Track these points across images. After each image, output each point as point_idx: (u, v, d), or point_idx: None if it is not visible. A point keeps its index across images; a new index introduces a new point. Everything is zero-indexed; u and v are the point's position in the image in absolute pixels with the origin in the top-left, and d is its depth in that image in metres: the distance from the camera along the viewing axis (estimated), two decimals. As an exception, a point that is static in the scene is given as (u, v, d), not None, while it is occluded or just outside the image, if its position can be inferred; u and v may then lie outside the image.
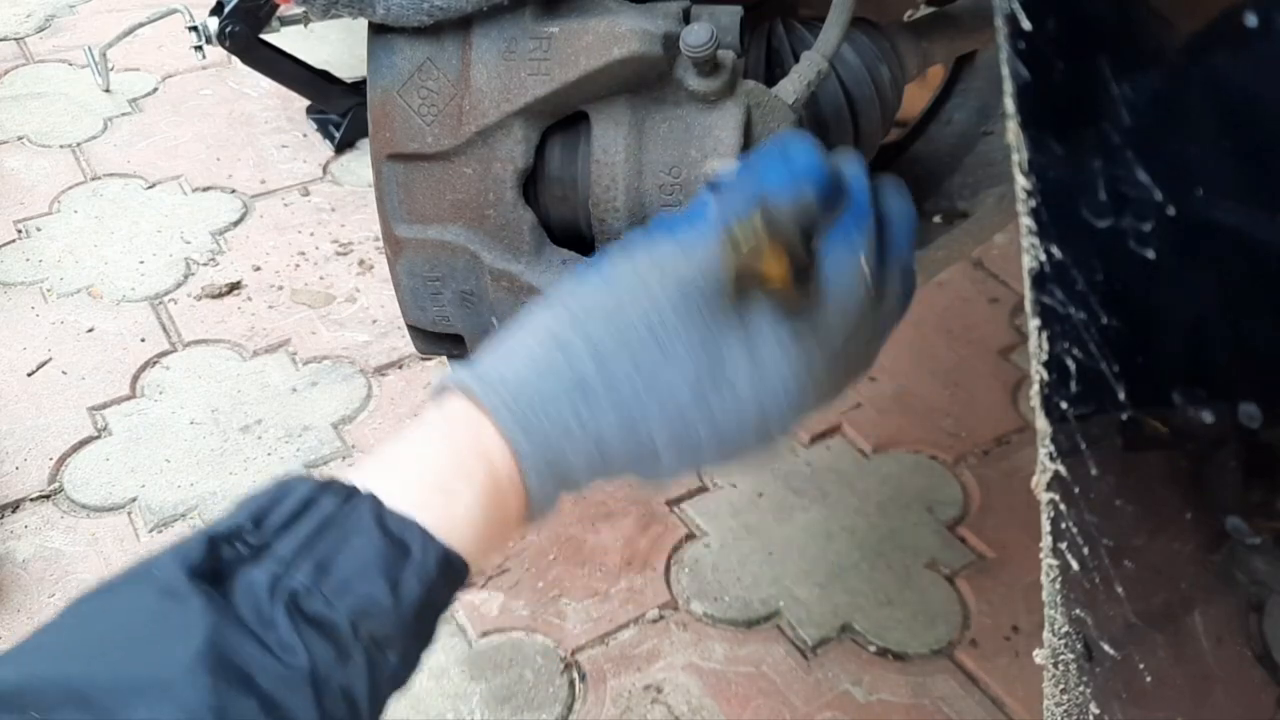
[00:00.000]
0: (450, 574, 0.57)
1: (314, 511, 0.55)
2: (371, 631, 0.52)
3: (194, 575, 0.51)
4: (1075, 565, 0.53)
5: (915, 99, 1.09)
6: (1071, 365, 0.48)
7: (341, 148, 1.99)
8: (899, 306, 0.70)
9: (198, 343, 1.61)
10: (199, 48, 1.84)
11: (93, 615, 0.52)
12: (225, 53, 1.86)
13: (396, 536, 0.55)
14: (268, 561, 0.53)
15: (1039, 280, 0.47)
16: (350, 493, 0.56)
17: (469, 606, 1.27)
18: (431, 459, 0.60)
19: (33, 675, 0.48)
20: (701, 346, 0.62)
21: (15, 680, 0.48)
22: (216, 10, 1.82)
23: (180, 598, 0.50)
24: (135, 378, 1.55)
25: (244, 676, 0.48)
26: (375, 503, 0.56)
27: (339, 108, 1.98)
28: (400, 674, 0.55)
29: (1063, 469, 0.51)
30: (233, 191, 1.90)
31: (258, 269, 1.74)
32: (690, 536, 1.36)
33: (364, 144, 1.98)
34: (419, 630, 0.55)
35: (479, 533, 0.59)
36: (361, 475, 0.58)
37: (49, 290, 1.68)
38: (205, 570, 0.52)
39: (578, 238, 0.74)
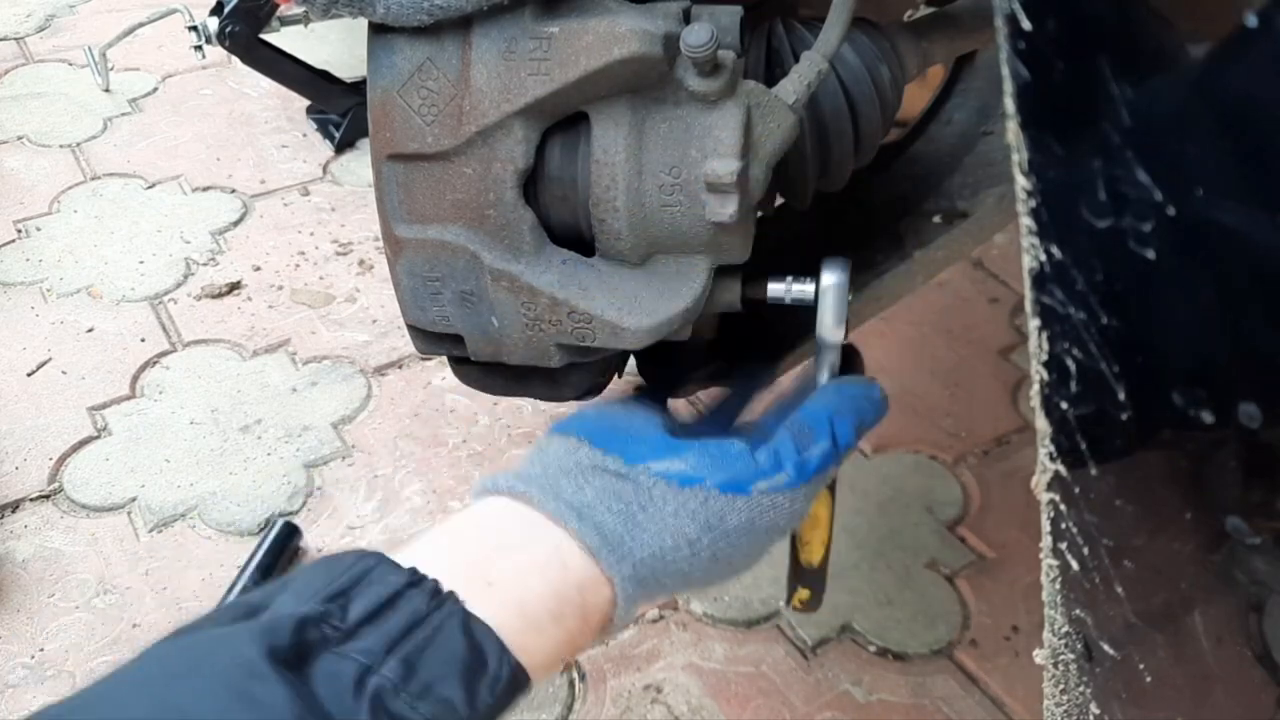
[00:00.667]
0: (515, 686, 0.59)
1: (403, 607, 0.56)
2: None
3: (277, 659, 0.52)
4: (1075, 565, 0.53)
5: (915, 99, 1.09)
6: (1071, 365, 0.48)
7: (341, 148, 1.99)
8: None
9: (198, 343, 1.61)
10: (199, 48, 1.84)
11: (176, 680, 0.52)
12: (225, 53, 1.86)
13: (478, 646, 0.57)
14: (355, 652, 0.54)
15: (1039, 280, 0.47)
16: (438, 592, 0.58)
17: (469, 606, 1.27)
18: (532, 593, 0.63)
19: None
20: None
21: None
22: (216, 10, 1.82)
23: (265, 681, 0.50)
24: (135, 378, 1.55)
25: None
26: (464, 611, 0.58)
27: (339, 108, 1.98)
28: None
29: (1063, 469, 0.51)
30: (233, 191, 1.90)
31: (258, 269, 1.74)
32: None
33: (364, 144, 1.98)
34: None
35: (550, 662, 0.63)
36: (451, 573, 0.60)
37: (49, 290, 1.68)
38: (289, 654, 0.52)
39: (578, 238, 0.74)
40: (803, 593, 0.84)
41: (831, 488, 0.78)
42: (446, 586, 0.59)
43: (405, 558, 0.61)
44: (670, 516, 0.68)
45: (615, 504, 0.67)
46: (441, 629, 0.56)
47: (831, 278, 0.76)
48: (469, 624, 0.57)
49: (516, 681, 0.59)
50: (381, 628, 0.55)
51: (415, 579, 0.58)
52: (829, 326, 0.77)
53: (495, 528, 0.66)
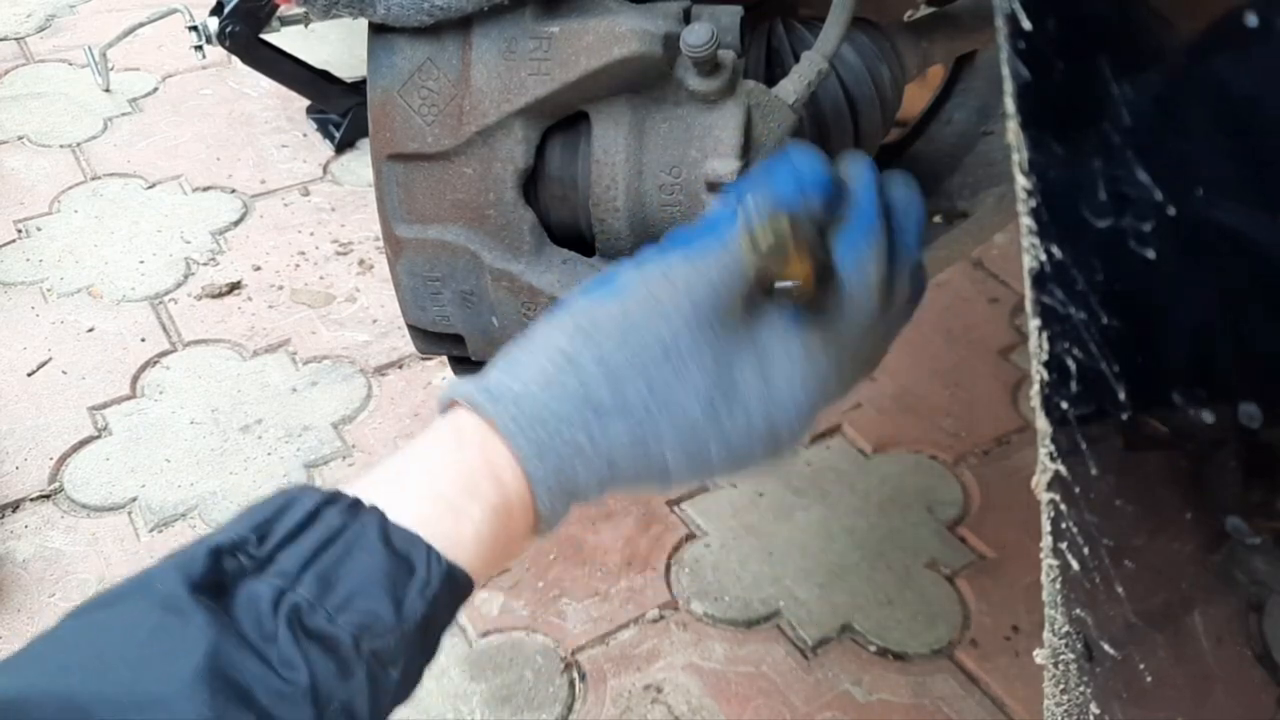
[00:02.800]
0: (454, 591, 0.57)
1: (318, 525, 0.55)
2: (374, 648, 0.52)
3: (195, 588, 0.51)
4: (1075, 565, 0.53)
5: (915, 99, 1.09)
6: (1071, 365, 0.48)
7: (341, 148, 1.99)
8: (908, 306, 0.70)
9: (198, 342, 1.61)
10: (199, 48, 1.84)
11: (94, 627, 0.51)
12: (225, 53, 1.86)
13: (401, 553, 0.55)
14: (271, 575, 0.53)
15: (1039, 280, 0.47)
16: (355, 507, 0.56)
17: (469, 606, 1.27)
18: (440, 475, 0.59)
19: (32, 687, 0.48)
20: (714, 362, 0.62)
21: (14, 691, 0.47)
22: (216, 10, 1.82)
23: (181, 612, 0.50)
24: (135, 378, 1.55)
25: (244, 693, 0.48)
26: (380, 518, 0.56)
27: (339, 108, 1.98)
28: (402, 690, 0.55)
29: (1063, 469, 0.51)
30: (233, 191, 1.90)
31: (258, 269, 1.74)
32: (690, 536, 1.36)
33: (364, 144, 1.98)
34: (422, 646, 0.55)
35: (485, 550, 0.59)
36: (367, 488, 0.58)
37: (49, 290, 1.68)
38: (207, 583, 0.51)
39: (578, 238, 0.74)
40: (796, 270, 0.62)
41: (809, 243, 0.62)
42: (368, 499, 0.57)
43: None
44: (541, 340, 0.62)
45: (504, 356, 0.63)
46: (358, 540, 0.54)
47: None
48: (387, 531, 0.55)
49: (454, 582, 0.56)
50: (295, 548, 0.54)
51: (332, 498, 0.56)
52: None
53: (416, 439, 0.63)
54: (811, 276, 0.61)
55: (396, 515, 0.56)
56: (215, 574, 0.52)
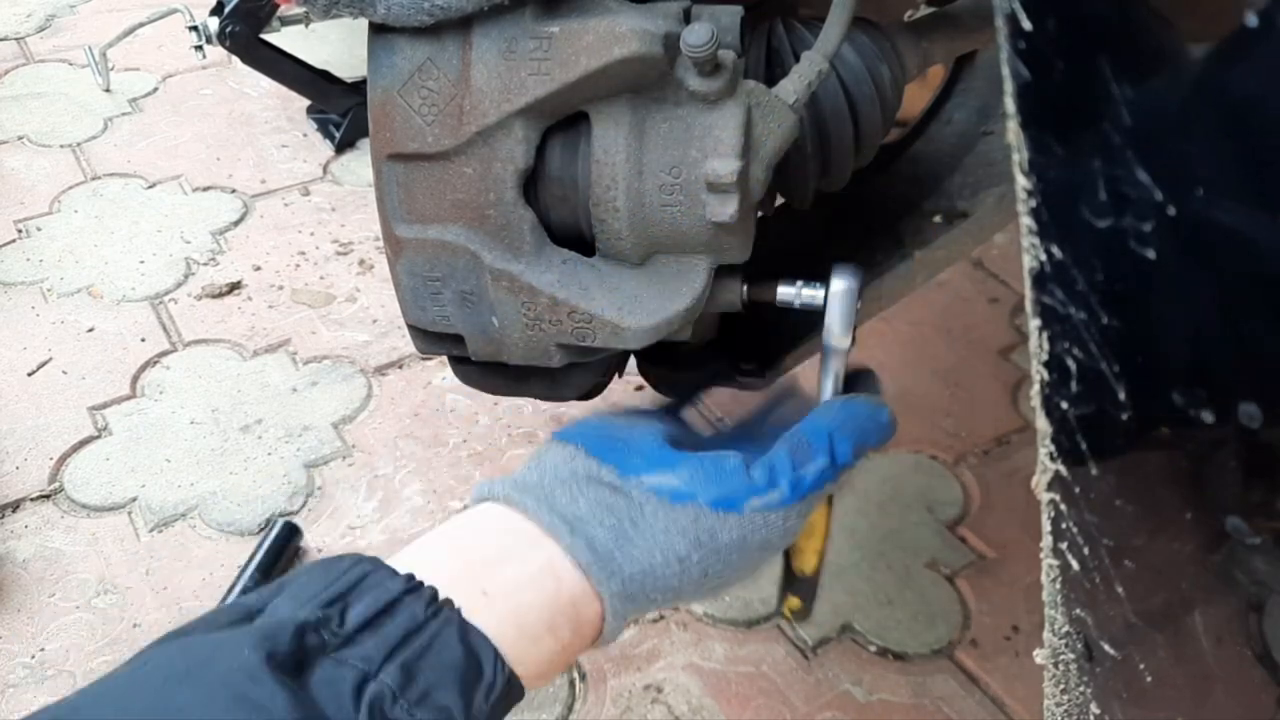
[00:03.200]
0: (510, 696, 0.60)
1: (401, 614, 0.56)
2: None
3: (276, 664, 0.52)
4: (1075, 565, 0.53)
5: (915, 99, 1.09)
6: (1071, 365, 0.48)
7: (341, 148, 1.99)
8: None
9: (198, 342, 1.61)
10: (199, 48, 1.84)
11: (176, 681, 0.52)
12: (225, 53, 1.86)
13: (474, 654, 0.57)
14: (354, 659, 0.54)
15: (1039, 280, 0.47)
16: (435, 599, 0.58)
17: (469, 606, 1.28)
18: (527, 604, 0.63)
19: None
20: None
21: None
22: (216, 10, 1.82)
23: (265, 687, 0.51)
24: (135, 377, 1.55)
25: None
26: (460, 618, 0.58)
27: (339, 108, 1.98)
28: None
29: (1063, 469, 0.51)
30: (233, 191, 1.90)
31: (258, 269, 1.74)
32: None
33: (364, 144, 1.98)
34: None
35: (542, 672, 0.64)
36: (449, 582, 0.60)
37: (49, 290, 1.68)
38: (288, 660, 0.53)
39: (578, 238, 0.74)
40: (793, 601, 0.83)
41: (829, 498, 0.77)
42: (443, 595, 0.59)
43: (402, 563, 0.61)
44: (660, 533, 0.68)
45: (607, 518, 0.67)
46: (439, 636, 0.56)
47: (841, 283, 0.76)
48: (466, 632, 0.58)
49: (511, 690, 0.59)
50: (380, 634, 0.55)
51: (412, 585, 0.58)
52: (836, 334, 0.76)
53: (492, 537, 0.67)
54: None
55: (476, 619, 0.59)
56: (296, 651, 0.53)
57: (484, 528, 0.68)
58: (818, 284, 0.77)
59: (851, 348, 0.77)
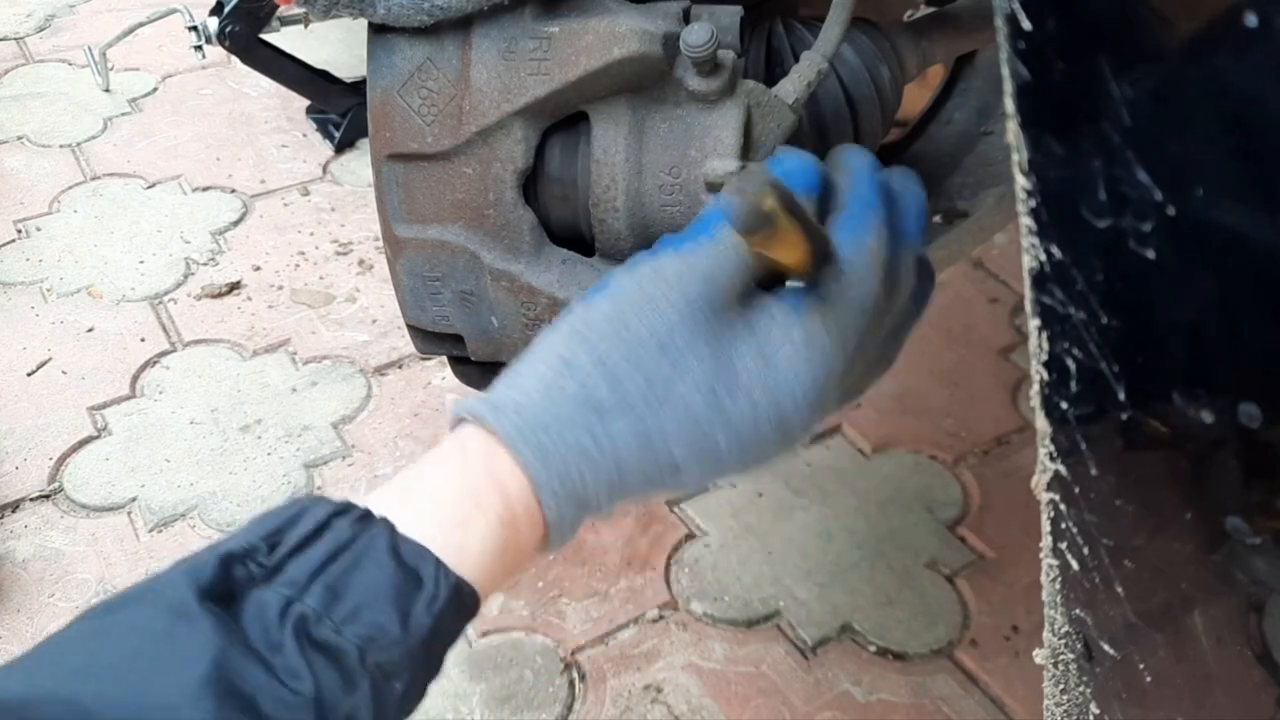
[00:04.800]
0: (461, 605, 0.56)
1: (328, 535, 0.55)
2: (379, 660, 0.52)
3: (204, 595, 0.51)
4: (1075, 565, 0.53)
5: (915, 99, 1.09)
6: (1071, 365, 0.48)
7: (341, 148, 1.99)
8: (916, 302, 0.69)
9: (198, 342, 1.61)
10: (199, 48, 1.84)
11: (101, 631, 0.52)
12: (225, 53, 1.86)
13: (409, 566, 0.55)
14: (280, 584, 0.53)
15: (1039, 280, 0.47)
16: (365, 518, 0.56)
17: (469, 606, 1.27)
18: (446, 489, 0.59)
19: (38, 688, 0.48)
20: (712, 353, 0.61)
21: (21, 692, 0.48)
22: (216, 10, 1.82)
23: (189, 618, 0.50)
24: (135, 377, 1.55)
25: (248, 701, 0.48)
26: (390, 530, 0.56)
27: (339, 108, 1.98)
28: (406, 704, 0.55)
29: (1063, 469, 0.51)
30: (233, 191, 1.90)
31: (258, 269, 1.74)
32: (690, 536, 1.36)
33: (364, 144, 1.98)
34: (427, 661, 0.55)
35: (492, 563, 0.59)
36: (377, 502, 0.58)
37: (49, 290, 1.68)
38: (217, 590, 0.52)
39: (578, 238, 0.74)
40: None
41: (800, 216, 0.57)
42: (379, 511, 0.57)
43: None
44: (543, 349, 0.62)
45: (508, 372, 0.63)
46: (367, 552, 0.54)
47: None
48: (396, 544, 0.55)
49: (460, 597, 0.56)
50: (305, 558, 0.54)
51: (343, 508, 0.56)
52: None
53: (424, 455, 0.64)
54: (807, 253, 0.59)
55: (405, 528, 0.56)
56: (225, 581, 0.52)
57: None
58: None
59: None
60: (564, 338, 0.62)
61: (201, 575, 0.52)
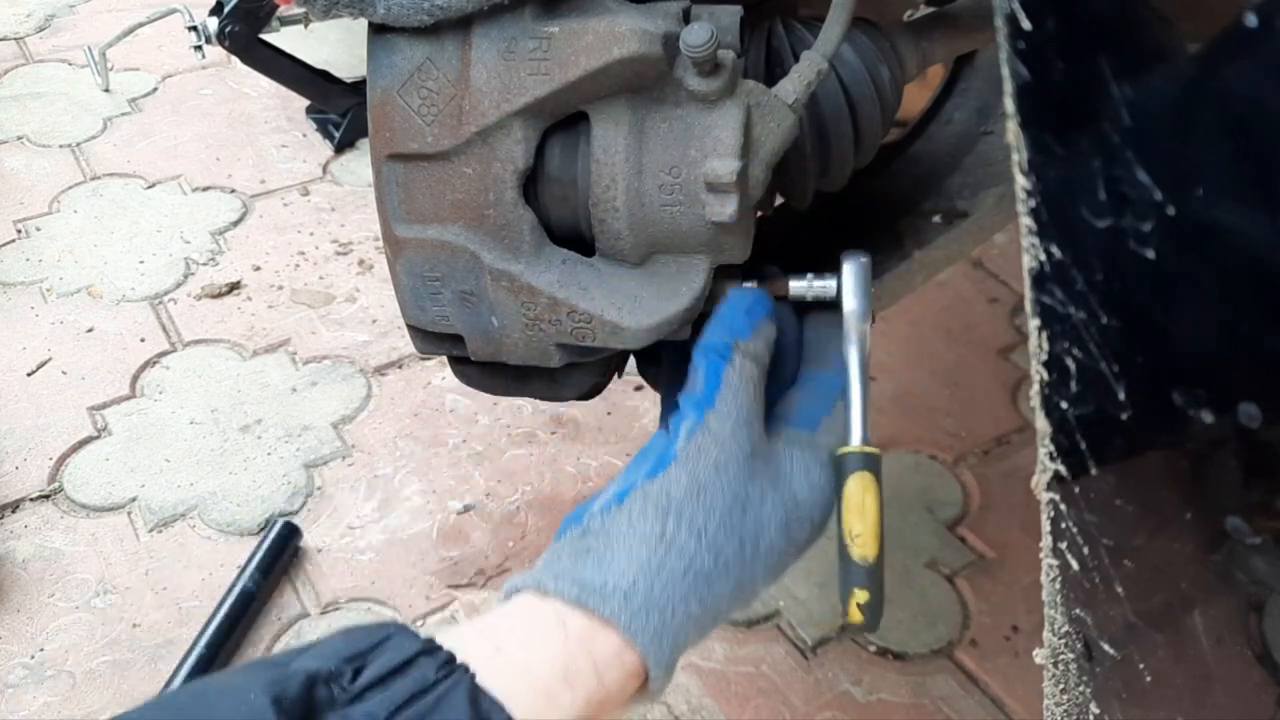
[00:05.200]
0: None
1: (412, 674, 0.56)
2: None
3: (282, 711, 0.52)
4: (1075, 565, 0.53)
5: (915, 99, 1.09)
6: (1071, 365, 0.48)
7: (341, 148, 1.99)
8: None
9: (197, 342, 1.61)
10: (199, 48, 1.84)
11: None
12: (225, 53, 1.86)
13: (484, 716, 0.56)
14: (357, 715, 0.54)
15: (1039, 280, 0.47)
16: (450, 663, 0.58)
17: (469, 607, 1.28)
18: (540, 657, 0.62)
19: None
20: (778, 497, 0.69)
21: None
22: (216, 10, 1.82)
23: None
24: (135, 377, 1.55)
25: None
26: (472, 681, 0.57)
27: (339, 108, 1.98)
28: None
29: (1063, 469, 0.51)
30: (232, 191, 1.90)
31: (258, 269, 1.74)
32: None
33: (364, 144, 1.98)
34: None
35: None
36: (463, 646, 0.59)
37: (49, 290, 1.68)
38: (296, 710, 0.53)
39: (578, 238, 0.74)
40: (860, 594, 0.74)
41: (876, 472, 0.72)
42: (460, 658, 0.58)
43: (434, 634, 0.61)
44: (625, 529, 0.66)
45: (583, 557, 0.66)
46: (446, 697, 0.55)
47: (853, 262, 0.75)
48: (475, 694, 0.56)
49: None
50: (387, 692, 0.55)
51: (430, 648, 0.58)
52: (854, 307, 0.74)
53: (508, 609, 0.66)
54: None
55: (488, 680, 0.58)
56: (306, 701, 0.53)
57: (503, 608, 0.67)
58: (828, 274, 0.77)
59: (872, 325, 0.75)
60: (652, 516, 0.66)
61: (284, 689, 0.53)
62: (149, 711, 0.53)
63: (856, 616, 0.72)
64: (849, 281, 0.75)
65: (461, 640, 0.60)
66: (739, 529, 0.67)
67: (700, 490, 0.67)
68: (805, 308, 0.78)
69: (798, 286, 0.77)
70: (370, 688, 0.55)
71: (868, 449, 0.73)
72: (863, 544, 0.73)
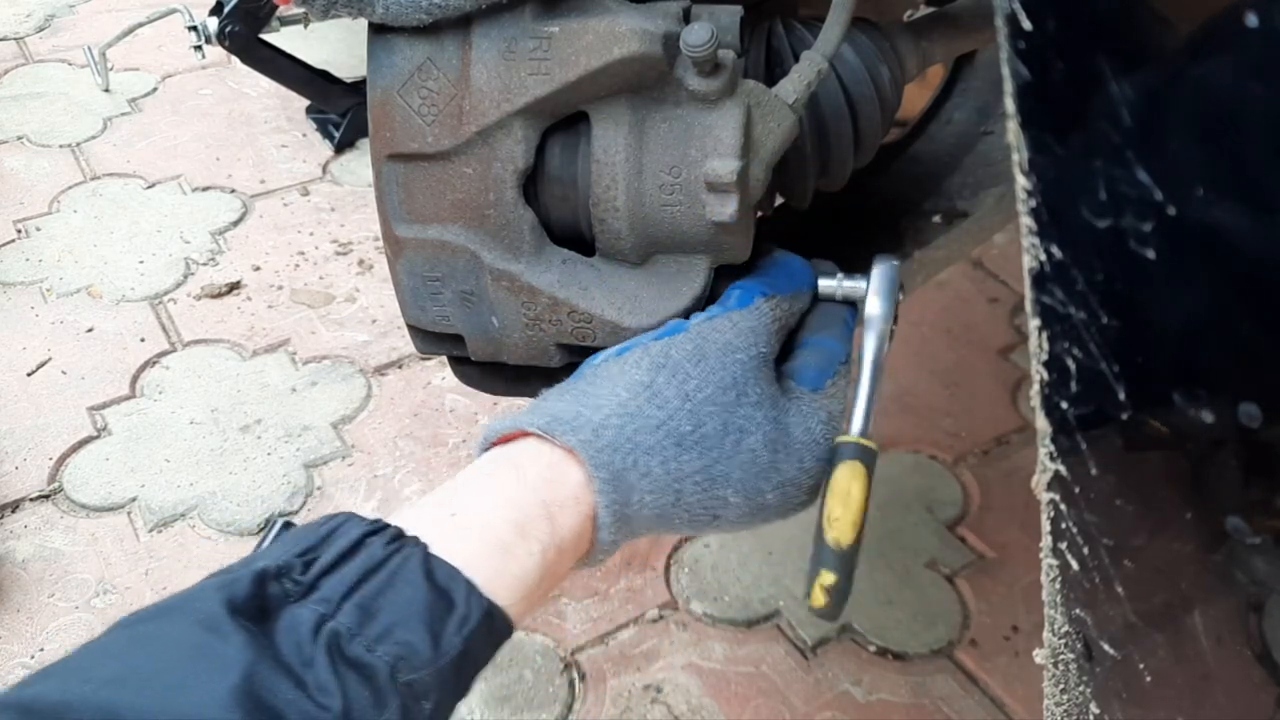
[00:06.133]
0: (492, 629, 0.57)
1: (362, 554, 0.56)
2: (409, 680, 0.53)
3: (237, 610, 0.52)
4: (1075, 565, 0.53)
5: (915, 99, 1.09)
6: (1071, 365, 0.48)
7: (341, 147, 1.99)
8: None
9: (197, 342, 1.61)
10: (199, 48, 1.84)
11: (137, 641, 0.52)
12: (225, 53, 1.86)
13: (442, 587, 0.55)
14: (313, 601, 0.53)
15: (1039, 280, 0.47)
16: (399, 538, 0.57)
17: (469, 606, 1.27)
18: (492, 511, 0.60)
19: (74, 694, 0.48)
20: (775, 414, 0.67)
21: (58, 698, 0.48)
22: (216, 10, 1.82)
23: (221, 632, 0.51)
24: (135, 377, 1.55)
25: (277, 716, 0.49)
26: (424, 551, 0.57)
27: (339, 108, 1.98)
28: None
29: (1063, 469, 0.51)
30: (232, 191, 1.90)
31: (257, 269, 1.74)
32: (690, 536, 1.35)
33: (364, 144, 1.98)
34: (456, 682, 0.56)
35: (529, 589, 0.60)
36: (416, 518, 0.59)
37: (49, 290, 1.68)
38: (250, 606, 0.52)
39: (578, 237, 0.74)
40: (826, 576, 0.71)
41: (869, 466, 0.71)
42: (411, 531, 0.58)
43: (393, 513, 0.60)
44: (617, 375, 0.64)
45: (565, 396, 0.65)
46: (399, 572, 0.55)
47: (883, 263, 0.76)
48: (430, 565, 0.56)
49: (492, 621, 0.57)
50: (338, 576, 0.55)
51: (376, 527, 0.57)
52: (877, 307, 0.76)
53: (471, 466, 0.65)
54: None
55: (442, 548, 0.57)
56: (259, 598, 0.53)
57: (471, 465, 0.65)
58: (858, 275, 0.77)
59: (894, 327, 0.76)
60: (645, 367, 0.64)
61: (235, 590, 0.53)
62: (108, 639, 0.52)
63: (820, 599, 0.69)
64: (877, 283, 0.76)
65: (418, 512, 0.60)
66: (725, 413, 0.64)
67: (701, 358, 0.65)
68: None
69: (827, 285, 0.77)
70: (322, 575, 0.55)
71: (865, 441, 0.71)
72: (839, 529, 0.71)
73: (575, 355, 0.77)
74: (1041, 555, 0.55)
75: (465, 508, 0.61)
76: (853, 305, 0.77)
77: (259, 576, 0.54)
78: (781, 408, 0.67)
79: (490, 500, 0.61)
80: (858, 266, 0.78)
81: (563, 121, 0.71)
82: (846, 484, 0.70)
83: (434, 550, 0.57)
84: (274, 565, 0.54)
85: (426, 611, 0.54)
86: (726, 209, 0.68)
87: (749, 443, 0.65)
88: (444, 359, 0.89)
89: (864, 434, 0.72)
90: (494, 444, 0.65)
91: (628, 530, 0.64)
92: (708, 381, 0.64)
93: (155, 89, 2.15)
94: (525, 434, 0.63)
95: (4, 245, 1.76)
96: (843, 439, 0.72)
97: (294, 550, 0.56)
